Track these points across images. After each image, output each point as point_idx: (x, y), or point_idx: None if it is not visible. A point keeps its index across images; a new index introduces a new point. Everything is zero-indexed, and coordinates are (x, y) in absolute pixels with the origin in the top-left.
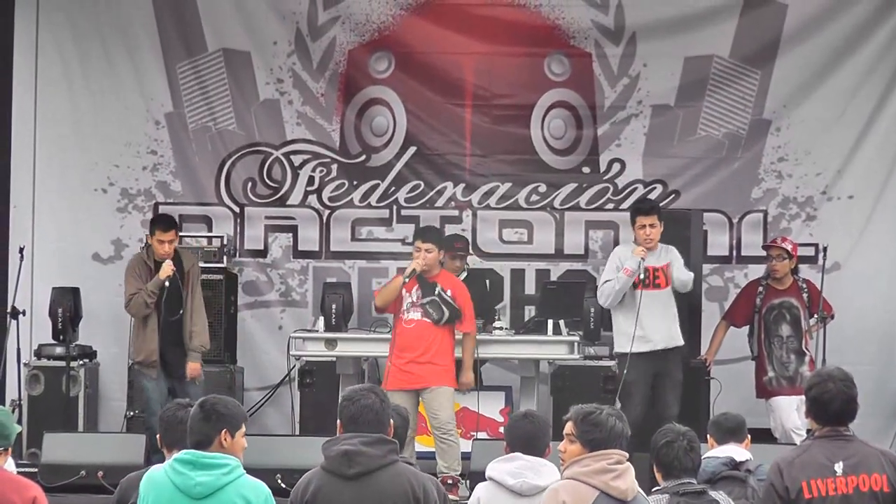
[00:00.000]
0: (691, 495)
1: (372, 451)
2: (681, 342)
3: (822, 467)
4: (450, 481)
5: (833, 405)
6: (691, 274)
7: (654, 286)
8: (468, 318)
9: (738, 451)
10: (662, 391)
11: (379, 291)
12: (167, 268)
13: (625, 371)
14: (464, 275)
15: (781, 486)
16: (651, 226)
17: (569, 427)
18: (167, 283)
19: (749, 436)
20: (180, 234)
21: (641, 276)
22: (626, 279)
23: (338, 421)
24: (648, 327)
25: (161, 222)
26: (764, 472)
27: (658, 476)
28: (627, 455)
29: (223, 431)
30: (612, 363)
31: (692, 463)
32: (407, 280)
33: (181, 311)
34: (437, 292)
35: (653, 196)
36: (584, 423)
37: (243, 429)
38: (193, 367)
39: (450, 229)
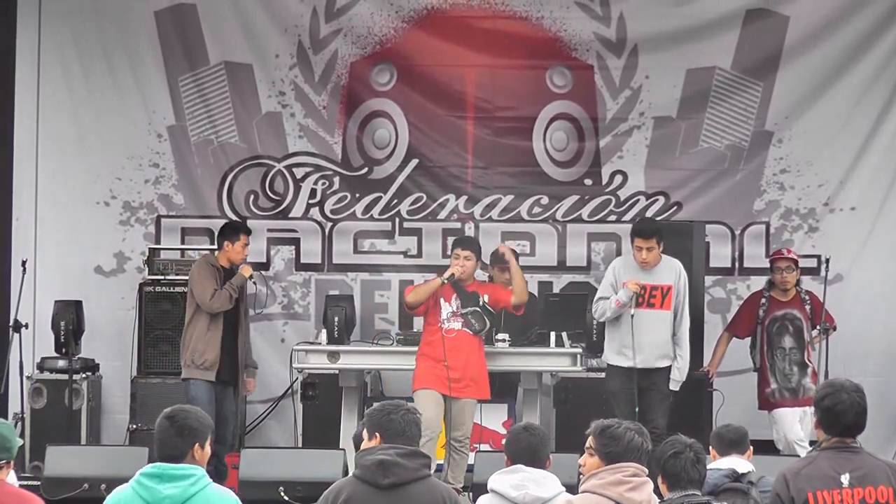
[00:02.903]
0: None
1: (407, 464)
2: (668, 364)
3: (828, 479)
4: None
5: (847, 417)
6: (685, 370)
7: (647, 305)
8: (509, 294)
9: (740, 463)
10: (649, 404)
11: (412, 289)
12: (248, 268)
13: (606, 382)
14: (511, 288)
15: (787, 497)
16: (648, 249)
17: (589, 440)
18: (251, 280)
19: (751, 447)
20: (183, 247)
21: (632, 311)
22: (617, 309)
23: (364, 432)
24: (634, 345)
25: (245, 228)
26: (766, 484)
27: (663, 488)
28: (646, 469)
29: (195, 445)
30: None
31: (699, 475)
32: (445, 283)
33: (243, 318)
34: (480, 303)
35: (655, 208)
36: (602, 437)
37: (210, 438)
38: (252, 382)
39: (452, 242)
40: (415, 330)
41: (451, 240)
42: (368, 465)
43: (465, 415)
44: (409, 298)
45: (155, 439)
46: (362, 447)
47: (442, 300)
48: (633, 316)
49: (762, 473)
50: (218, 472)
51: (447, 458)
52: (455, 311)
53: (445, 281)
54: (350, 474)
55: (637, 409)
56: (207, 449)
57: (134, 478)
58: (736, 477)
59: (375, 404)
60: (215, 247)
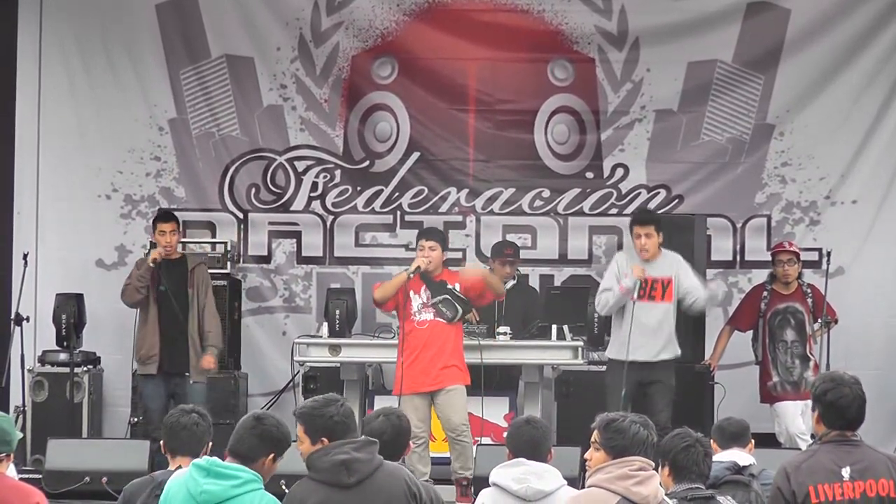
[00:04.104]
0: (700, 500)
1: (365, 457)
2: (670, 356)
3: (829, 472)
4: (465, 482)
5: (850, 410)
6: (698, 284)
7: (648, 298)
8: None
9: (741, 456)
10: (651, 396)
11: (380, 285)
12: (154, 252)
13: (605, 375)
14: (512, 282)
15: (788, 491)
16: (647, 236)
17: (594, 435)
18: (152, 264)
19: (753, 440)
20: (185, 240)
21: (635, 297)
22: (622, 296)
23: (304, 435)
24: (634, 339)
25: (159, 215)
26: (768, 477)
27: (668, 480)
28: (652, 463)
29: (272, 454)
30: None
31: (708, 469)
32: (411, 276)
33: (179, 308)
34: (448, 289)
35: (656, 201)
36: (607, 431)
37: (283, 453)
38: (208, 359)
39: (454, 235)
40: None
41: (452, 233)
42: (329, 468)
43: (454, 404)
44: (377, 295)
45: (233, 432)
46: (308, 452)
47: (412, 293)
48: (634, 303)
49: (763, 466)
50: None
51: (451, 450)
52: (425, 302)
53: (411, 275)
54: (306, 479)
55: (623, 398)
56: (276, 464)
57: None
58: (737, 470)
59: (305, 404)
60: (216, 240)
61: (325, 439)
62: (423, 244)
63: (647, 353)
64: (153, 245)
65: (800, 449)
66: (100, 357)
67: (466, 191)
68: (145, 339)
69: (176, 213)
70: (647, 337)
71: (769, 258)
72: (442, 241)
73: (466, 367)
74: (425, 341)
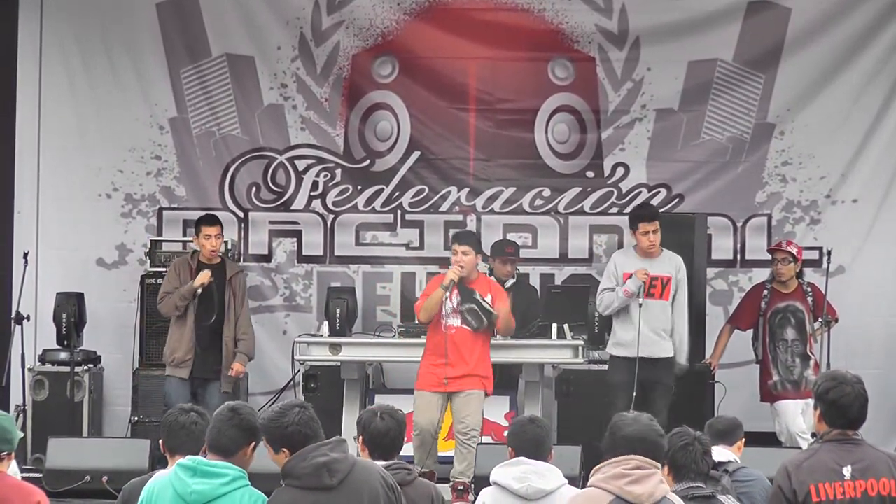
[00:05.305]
0: (700, 500)
1: (340, 455)
2: (670, 354)
3: (830, 471)
4: (461, 487)
5: (852, 409)
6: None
7: (647, 295)
8: (503, 317)
9: (721, 453)
10: (651, 398)
11: (421, 306)
12: (203, 276)
13: (609, 374)
14: (512, 281)
15: (789, 490)
16: (654, 232)
17: None
18: (199, 292)
19: (742, 439)
20: (184, 239)
21: (641, 301)
22: (625, 300)
23: (267, 446)
24: (633, 335)
25: (205, 218)
26: (746, 475)
27: (668, 479)
28: (652, 461)
29: (252, 443)
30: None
31: (707, 467)
32: (448, 291)
33: (214, 317)
34: (476, 299)
35: (657, 200)
36: (608, 430)
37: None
38: (239, 367)
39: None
40: (416, 322)
41: (452, 232)
42: (311, 472)
43: (470, 407)
44: (422, 318)
45: (210, 428)
46: (280, 461)
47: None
48: (641, 305)
49: (755, 467)
50: None
51: (456, 451)
52: (455, 308)
53: (448, 290)
54: (286, 487)
55: (634, 396)
56: (254, 453)
57: (174, 467)
58: (712, 466)
59: (264, 415)
60: None
61: (285, 450)
62: (455, 249)
63: (647, 350)
64: (154, 244)
65: (800, 448)
66: (100, 356)
67: (467, 190)
68: (181, 343)
69: (176, 213)
70: (648, 333)
71: (769, 257)
72: (475, 244)
73: (491, 376)
74: (452, 347)
